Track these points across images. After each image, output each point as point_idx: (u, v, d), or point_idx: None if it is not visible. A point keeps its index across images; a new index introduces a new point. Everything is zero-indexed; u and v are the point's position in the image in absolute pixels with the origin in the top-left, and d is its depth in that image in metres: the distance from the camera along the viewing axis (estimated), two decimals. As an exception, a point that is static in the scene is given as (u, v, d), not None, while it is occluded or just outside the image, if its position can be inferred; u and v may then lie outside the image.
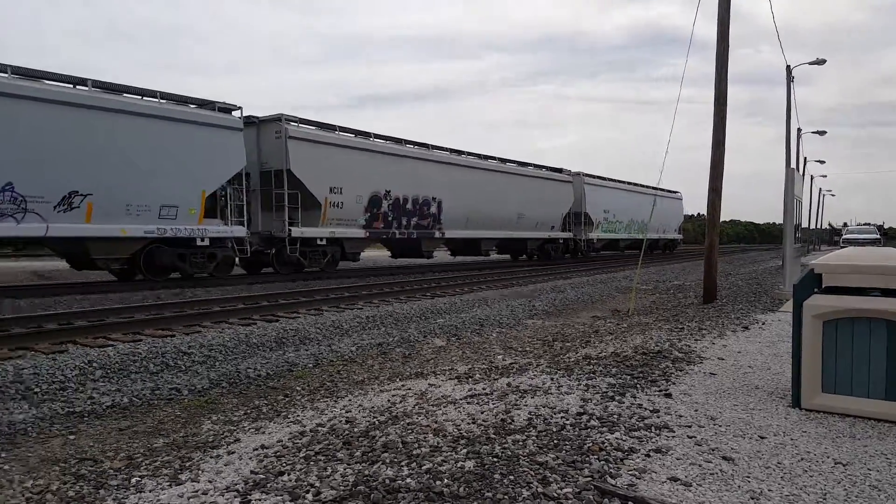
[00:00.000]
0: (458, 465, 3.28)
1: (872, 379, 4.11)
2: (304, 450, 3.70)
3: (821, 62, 27.48)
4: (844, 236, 44.53)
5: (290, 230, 16.89)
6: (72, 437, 4.60)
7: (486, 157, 25.13)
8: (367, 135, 19.64)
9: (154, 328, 8.45)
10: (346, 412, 4.61)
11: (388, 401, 4.88)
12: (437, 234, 22.59)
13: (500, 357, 6.94)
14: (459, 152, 23.84)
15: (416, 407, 4.58)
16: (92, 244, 13.14)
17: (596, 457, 3.38)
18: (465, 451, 3.50)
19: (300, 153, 16.97)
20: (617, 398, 4.60)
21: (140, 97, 13.87)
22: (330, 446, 3.72)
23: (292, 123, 17.17)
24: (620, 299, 13.88)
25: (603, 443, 3.60)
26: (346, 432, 4.00)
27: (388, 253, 24.62)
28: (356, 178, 18.67)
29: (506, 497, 2.88)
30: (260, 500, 2.96)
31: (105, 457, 4.01)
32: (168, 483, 3.34)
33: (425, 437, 3.77)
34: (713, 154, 11.78)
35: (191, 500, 3.04)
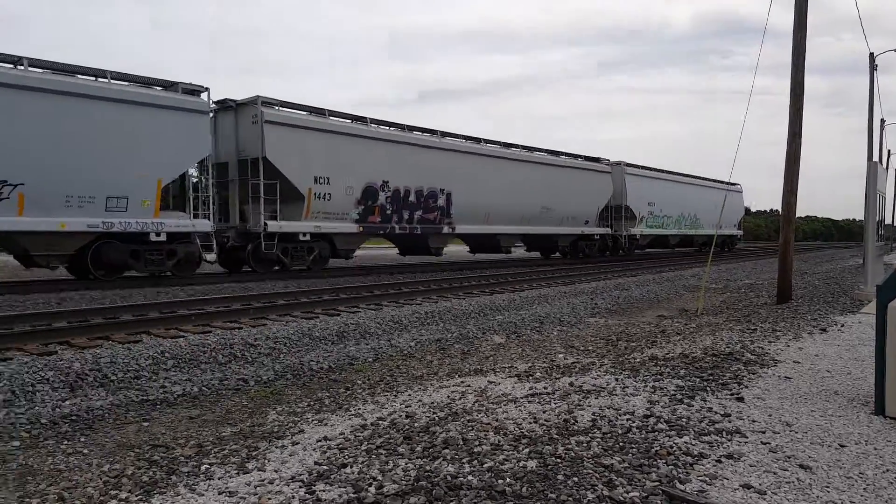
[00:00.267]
0: (520, 464, 3.23)
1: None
2: (366, 443, 3.73)
3: (906, 49, 25.90)
4: None
5: (265, 224, 15.25)
6: (145, 423, 4.79)
7: (509, 146, 22.77)
8: (363, 120, 17.89)
9: (223, 320, 8.74)
10: (406, 407, 4.63)
11: (448, 397, 4.87)
12: (446, 230, 20.26)
13: (561, 356, 6.82)
14: (477, 140, 21.60)
15: (476, 404, 4.55)
16: (27, 239, 11.97)
17: (664, 461, 3.26)
18: (526, 450, 3.44)
19: (278, 139, 15.39)
20: (686, 401, 4.44)
21: (94, 78, 12.67)
22: (391, 440, 3.74)
23: (270, 107, 15.61)
24: (688, 298, 13.46)
25: (671, 447, 3.48)
26: (407, 427, 4.02)
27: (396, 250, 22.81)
28: (347, 167, 16.91)
29: (570, 499, 2.82)
30: (324, 490, 3.00)
31: (176, 444, 4.16)
32: (236, 471, 3.42)
33: (486, 435, 3.73)
34: (789, 146, 11.24)
35: (258, 488, 3.11)
